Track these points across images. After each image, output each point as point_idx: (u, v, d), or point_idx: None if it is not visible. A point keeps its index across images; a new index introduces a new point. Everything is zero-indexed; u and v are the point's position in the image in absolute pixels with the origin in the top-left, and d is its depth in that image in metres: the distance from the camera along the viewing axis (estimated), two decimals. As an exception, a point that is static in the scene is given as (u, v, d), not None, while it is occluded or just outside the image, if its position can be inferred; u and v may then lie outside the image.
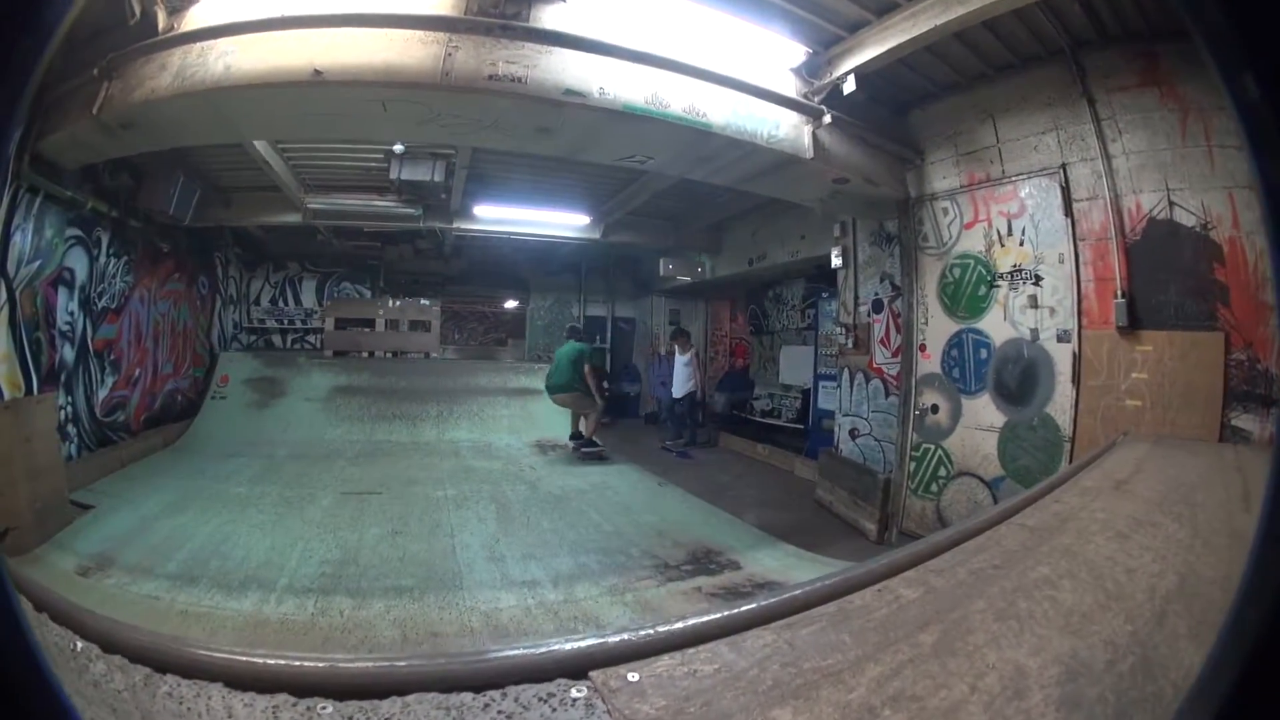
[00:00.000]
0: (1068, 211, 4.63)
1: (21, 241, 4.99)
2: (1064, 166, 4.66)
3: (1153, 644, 1.33)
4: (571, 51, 4.20)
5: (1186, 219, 4.07)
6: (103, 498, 5.45)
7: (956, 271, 5.43)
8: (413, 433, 8.69)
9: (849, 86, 4.71)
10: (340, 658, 1.32)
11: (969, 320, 5.32)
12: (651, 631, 1.32)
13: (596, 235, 9.56)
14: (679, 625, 1.37)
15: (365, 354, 10.57)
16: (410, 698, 1.03)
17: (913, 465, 5.64)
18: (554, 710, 1.03)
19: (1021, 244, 4.97)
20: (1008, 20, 4.27)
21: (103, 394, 6.62)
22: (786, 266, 8.85)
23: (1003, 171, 5.09)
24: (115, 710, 1.00)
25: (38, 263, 5.24)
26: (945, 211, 5.54)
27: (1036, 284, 4.83)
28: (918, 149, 5.71)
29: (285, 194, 8.01)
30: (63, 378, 5.84)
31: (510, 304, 13.55)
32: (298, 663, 1.14)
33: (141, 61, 4.34)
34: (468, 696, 1.05)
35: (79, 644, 1.16)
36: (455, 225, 9.11)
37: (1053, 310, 4.73)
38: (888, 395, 6.04)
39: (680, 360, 9.57)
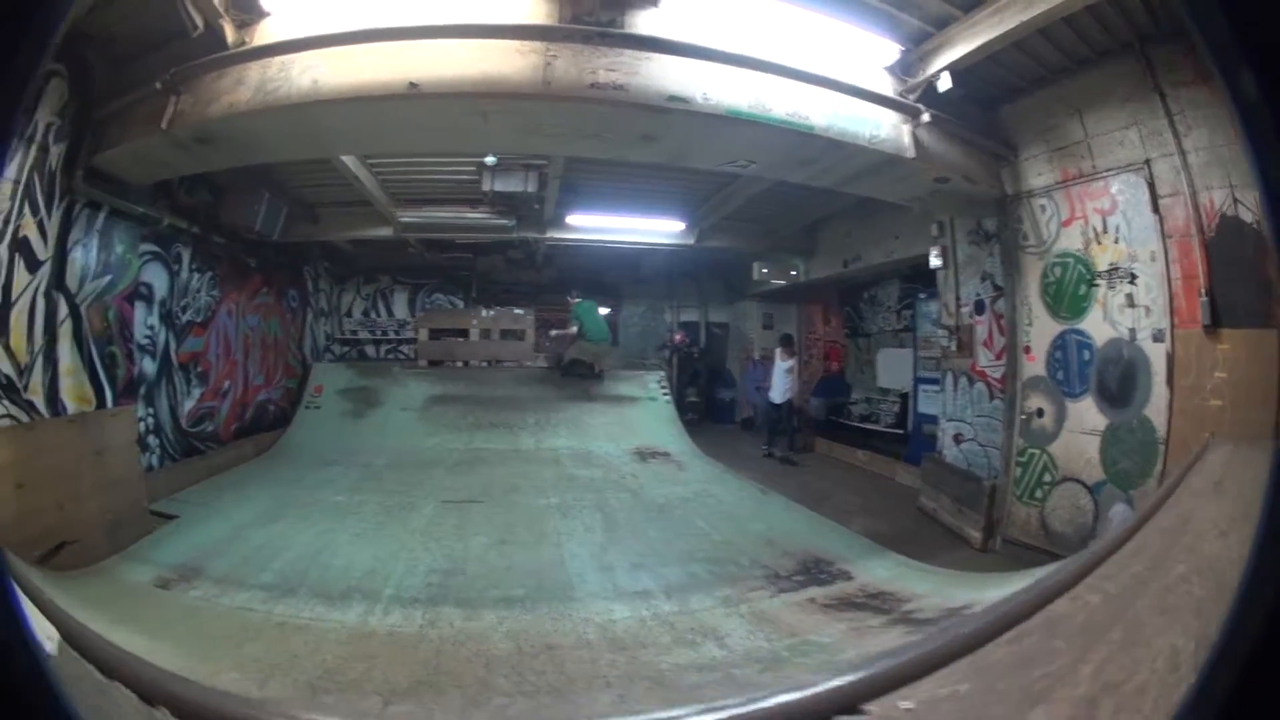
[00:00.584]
0: (1155, 208, 4.46)
1: (84, 257, 4.99)
2: (1148, 162, 4.49)
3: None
4: (671, 57, 4.21)
5: (1247, 215, 3.91)
6: (187, 507, 5.37)
7: (1058, 270, 5.26)
8: (511, 441, 8.58)
9: (945, 84, 4.62)
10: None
11: (1071, 321, 5.14)
12: (894, 661, 1.37)
13: (691, 241, 9.49)
14: (916, 654, 1.42)
15: (460, 363, 10.69)
16: None
17: (1018, 471, 5.45)
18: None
19: (1117, 241, 4.80)
20: (1081, 14, 4.11)
21: (189, 405, 6.71)
22: (881, 267, 8.65)
23: (1094, 167, 4.94)
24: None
25: (107, 278, 5.27)
26: (1043, 209, 5.38)
27: (1132, 282, 4.66)
28: (1011, 145, 5.55)
29: (375, 208, 8.12)
30: (142, 390, 5.88)
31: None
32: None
33: (213, 75, 4.31)
34: None
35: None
36: (549, 235, 9.12)
37: (1148, 309, 4.56)
38: (991, 399, 5.84)
39: (782, 366, 9.28)
